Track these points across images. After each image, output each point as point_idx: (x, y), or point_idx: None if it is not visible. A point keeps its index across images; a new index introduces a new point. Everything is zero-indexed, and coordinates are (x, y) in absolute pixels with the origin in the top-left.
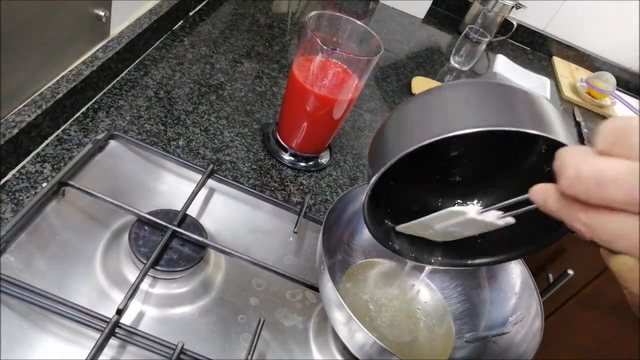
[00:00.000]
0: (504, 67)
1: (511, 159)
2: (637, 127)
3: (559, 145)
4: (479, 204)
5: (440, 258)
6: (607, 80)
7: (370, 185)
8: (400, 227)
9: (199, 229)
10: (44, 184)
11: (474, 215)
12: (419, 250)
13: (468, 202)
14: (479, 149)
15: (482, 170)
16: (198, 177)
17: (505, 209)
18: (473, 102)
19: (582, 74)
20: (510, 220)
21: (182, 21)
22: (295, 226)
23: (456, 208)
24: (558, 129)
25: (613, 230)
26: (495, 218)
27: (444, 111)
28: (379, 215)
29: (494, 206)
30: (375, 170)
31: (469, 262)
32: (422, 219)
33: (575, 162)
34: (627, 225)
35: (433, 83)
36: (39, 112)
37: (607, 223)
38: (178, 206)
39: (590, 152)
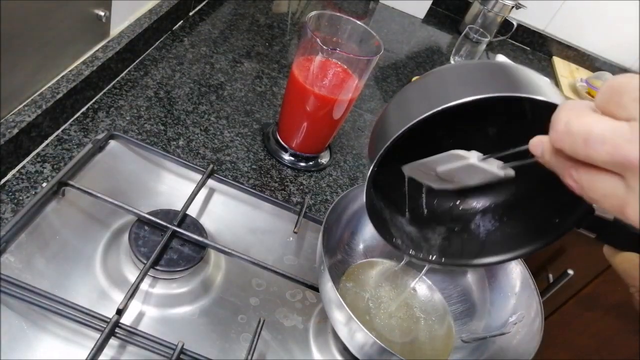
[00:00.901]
0: None
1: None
2: (632, 87)
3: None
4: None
5: (439, 257)
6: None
7: (371, 168)
8: (405, 168)
9: (199, 229)
10: (44, 184)
11: (474, 160)
12: (417, 247)
13: (469, 198)
14: (478, 135)
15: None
16: (198, 177)
17: (506, 161)
18: (469, 77)
19: (582, 74)
20: (511, 172)
21: (182, 21)
22: (295, 226)
23: (458, 151)
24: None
25: (600, 189)
26: (496, 167)
27: (442, 86)
28: (380, 206)
29: (494, 154)
30: (376, 152)
31: (468, 263)
32: (426, 159)
33: (567, 117)
34: (613, 185)
35: None
36: (39, 112)
37: (595, 181)
38: (178, 206)
39: (586, 108)
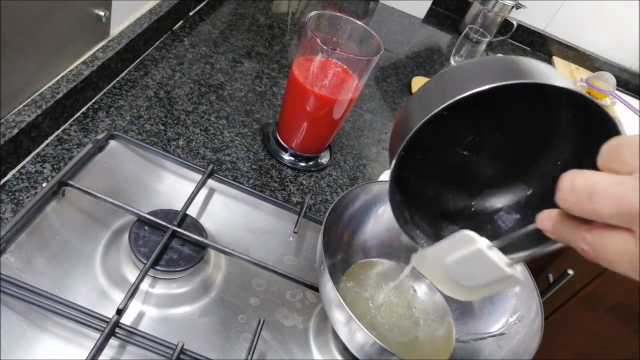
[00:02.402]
0: None
1: (529, 141)
2: (630, 143)
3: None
4: (495, 200)
5: None
6: (607, 80)
7: (398, 153)
8: (415, 263)
9: (199, 229)
10: (44, 184)
11: (483, 246)
12: (433, 241)
13: (486, 198)
14: (496, 132)
15: (503, 159)
16: (198, 177)
17: (515, 244)
18: (490, 68)
19: (582, 74)
20: (518, 274)
21: (182, 21)
22: (295, 226)
23: (468, 232)
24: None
25: (612, 246)
26: (504, 263)
27: (463, 78)
28: (399, 200)
29: (505, 237)
30: (400, 141)
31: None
32: (436, 245)
33: (572, 177)
34: (624, 241)
35: None
36: (39, 112)
37: (606, 240)
38: (178, 206)
39: (589, 170)
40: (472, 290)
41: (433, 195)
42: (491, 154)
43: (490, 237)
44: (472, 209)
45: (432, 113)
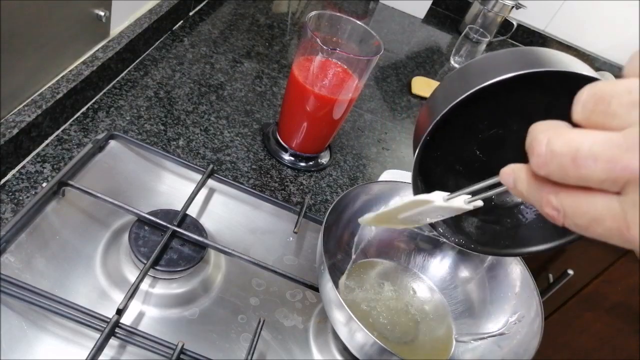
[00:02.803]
0: None
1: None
2: (618, 92)
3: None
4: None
5: (469, 244)
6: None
7: (421, 142)
8: (362, 220)
9: (199, 229)
10: (44, 184)
11: (440, 202)
12: (451, 231)
13: (506, 192)
14: (518, 125)
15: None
16: (198, 177)
17: (477, 193)
18: (515, 58)
19: None
20: (479, 203)
21: (182, 21)
22: (295, 226)
23: (421, 196)
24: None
25: (590, 212)
26: (463, 202)
27: (490, 65)
28: (422, 191)
29: (462, 190)
30: (426, 127)
31: (499, 252)
32: (387, 209)
33: (547, 137)
34: (606, 205)
35: (433, 83)
36: (39, 112)
37: (582, 205)
38: (178, 206)
39: (565, 125)
40: (430, 221)
41: (454, 188)
42: (513, 148)
43: (510, 230)
44: (492, 203)
45: (461, 98)
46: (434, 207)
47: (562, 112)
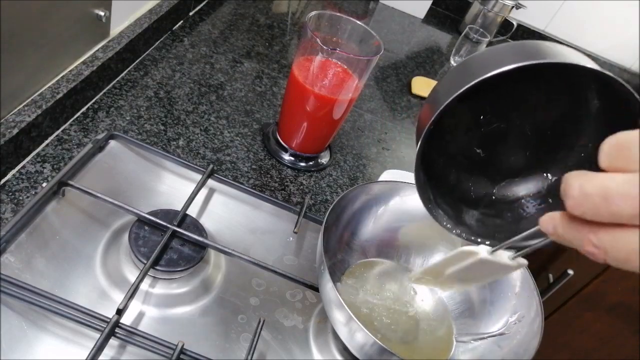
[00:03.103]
0: None
1: (553, 123)
2: (636, 140)
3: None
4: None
5: (470, 235)
6: None
7: (424, 132)
8: (411, 277)
9: (199, 229)
10: (44, 184)
11: (485, 255)
12: (453, 222)
13: (507, 187)
14: (520, 119)
15: (526, 144)
16: (198, 177)
17: (517, 243)
18: (518, 50)
19: None
20: (523, 261)
21: (182, 21)
22: (295, 226)
23: (466, 248)
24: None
25: (627, 247)
26: (507, 259)
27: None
28: (423, 182)
29: (504, 243)
30: (430, 116)
31: (501, 245)
32: (434, 263)
33: (579, 181)
34: (637, 239)
35: (433, 83)
36: (39, 112)
37: (619, 241)
38: (178, 206)
39: (593, 172)
40: (477, 282)
41: (455, 181)
42: (514, 142)
43: (511, 224)
44: (493, 197)
45: (463, 88)
46: (481, 262)
47: (563, 105)
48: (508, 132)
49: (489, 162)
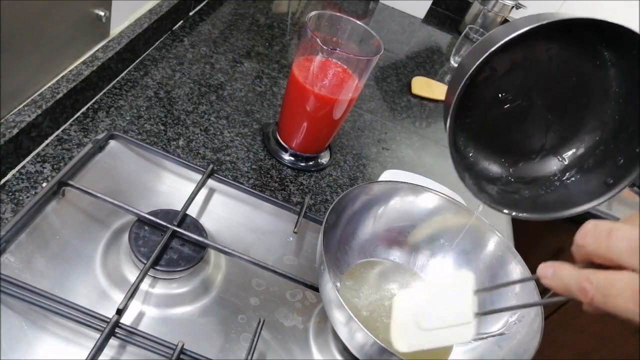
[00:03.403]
0: None
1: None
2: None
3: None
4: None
5: (494, 204)
6: None
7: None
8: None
9: (199, 229)
10: (44, 184)
11: (472, 288)
12: (478, 189)
13: (524, 167)
14: (542, 95)
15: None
16: (198, 177)
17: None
18: (534, 18)
19: None
20: (473, 329)
21: (182, 21)
22: (295, 226)
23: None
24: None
25: (617, 284)
26: (472, 310)
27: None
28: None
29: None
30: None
31: (526, 216)
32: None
33: (594, 222)
34: (628, 280)
35: (433, 83)
36: (39, 112)
37: (612, 279)
38: (178, 206)
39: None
40: (423, 335)
41: (473, 160)
42: (534, 122)
43: (527, 199)
44: (510, 178)
45: (491, 50)
46: (464, 291)
47: (580, 72)
48: (530, 111)
49: (509, 139)
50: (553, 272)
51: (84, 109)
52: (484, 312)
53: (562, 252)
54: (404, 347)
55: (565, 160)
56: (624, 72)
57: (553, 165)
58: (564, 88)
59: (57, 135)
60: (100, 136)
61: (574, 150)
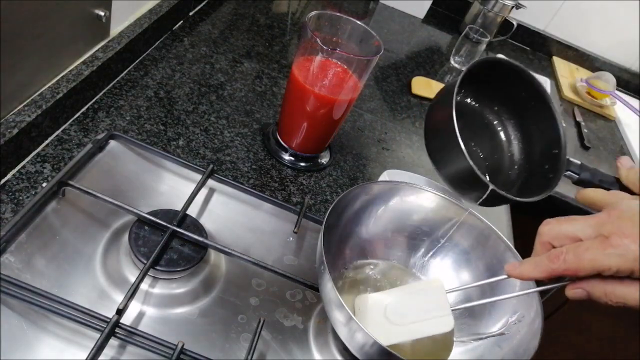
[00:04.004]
0: None
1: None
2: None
3: None
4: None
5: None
6: (607, 80)
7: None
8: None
9: (199, 229)
10: (44, 184)
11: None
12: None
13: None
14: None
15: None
16: (198, 177)
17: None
18: None
19: (582, 74)
20: (452, 320)
21: (182, 21)
22: (295, 226)
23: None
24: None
25: (584, 244)
26: (448, 305)
27: None
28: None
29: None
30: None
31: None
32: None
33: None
34: (593, 239)
35: (433, 83)
36: (39, 112)
37: (579, 242)
38: (178, 206)
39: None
40: (399, 329)
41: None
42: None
43: (504, 186)
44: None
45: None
46: (436, 289)
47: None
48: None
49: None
50: (520, 263)
51: (84, 109)
52: (459, 307)
53: None
54: (384, 342)
55: (519, 168)
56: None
57: (513, 172)
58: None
59: (57, 135)
60: (100, 136)
61: (520, 161)
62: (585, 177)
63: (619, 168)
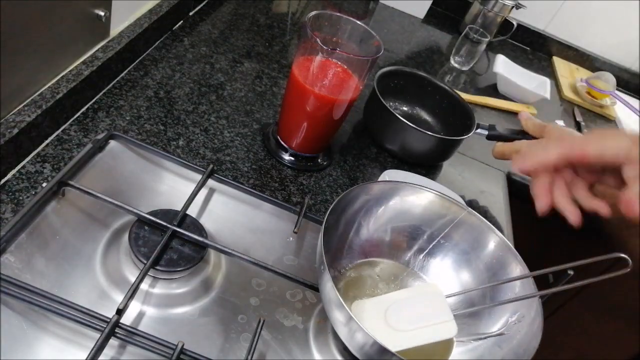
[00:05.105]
0: (504, 67)
1: None
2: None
3: None
4: None
5: None
6: (607, 80)
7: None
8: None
9: (199, 229)
10: (44, 184)
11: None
12: None
13: None
14: None
15: None
16: (198, 177)
17: None
18: None
19: (582, 74)
20: (455, 325)
21: (182, 21)
22: (295, 226)
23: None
24: None
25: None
26: (449, 310)
27: None
28: None
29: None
30: None
31: None
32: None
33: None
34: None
35: None
36: (39, 112)
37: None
38: (178, 206)
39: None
40: (401, 335)
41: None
42: None
43: None
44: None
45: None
46: (436, 296)
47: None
48: None
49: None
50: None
51: (84, 109)
52: (461, 313)
53: (563, 253)
54: (391, 349)
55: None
56: None
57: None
58: None
59: (57, 135)
60: (100, 136)
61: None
62: (493, 133)
63: (521, 121)
